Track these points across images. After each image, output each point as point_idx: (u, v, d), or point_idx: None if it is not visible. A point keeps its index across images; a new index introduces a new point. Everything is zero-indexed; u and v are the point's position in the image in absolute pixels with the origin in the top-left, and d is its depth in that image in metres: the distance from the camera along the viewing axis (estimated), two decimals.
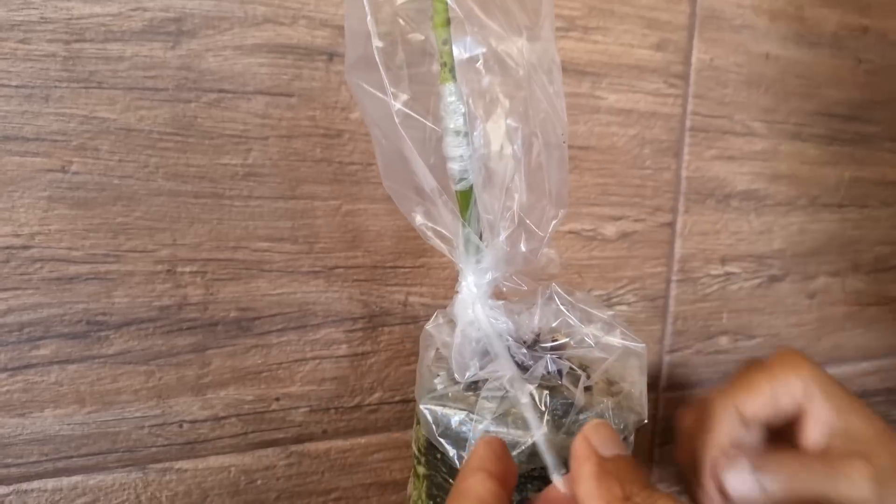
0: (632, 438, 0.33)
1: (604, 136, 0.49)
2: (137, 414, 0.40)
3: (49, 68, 0.36)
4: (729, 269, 0.55)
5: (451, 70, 0.29)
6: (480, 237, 0.31)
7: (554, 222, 0.32)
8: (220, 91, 0.39)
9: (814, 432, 0.42)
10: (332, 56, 0.41)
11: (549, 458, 0.28)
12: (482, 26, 0.31)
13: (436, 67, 0.30)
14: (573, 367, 0.31)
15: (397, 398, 0.46)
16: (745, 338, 0.57)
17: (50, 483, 0.39)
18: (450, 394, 0.31)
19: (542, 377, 0.31)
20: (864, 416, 0.42)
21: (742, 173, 0.54)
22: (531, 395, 0.29)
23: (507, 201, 0.31)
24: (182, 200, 0.39)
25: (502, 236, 0.30)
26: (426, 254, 0.45)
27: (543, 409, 0.29)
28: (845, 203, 0.59)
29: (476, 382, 0.31)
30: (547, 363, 0.31)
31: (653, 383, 0.54)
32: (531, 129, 0.32)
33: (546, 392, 0.30)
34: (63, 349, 0.38)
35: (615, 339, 0.32)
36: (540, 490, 0.29)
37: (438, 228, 0.31)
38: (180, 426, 0.41)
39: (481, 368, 0.31)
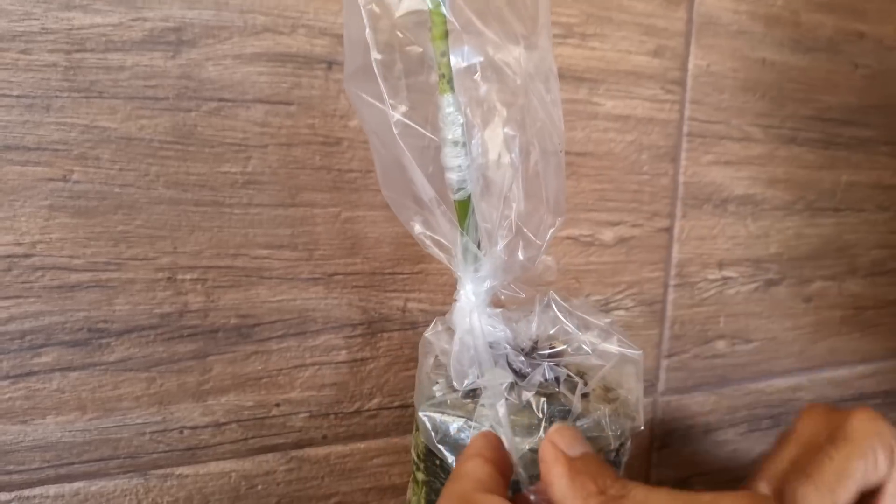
0: (629, 444, 0.33)
1: (601, 142, 0.49)
2: (139, 420, 0.41)
3: (50, 78, 0.37)
4: (726, 273, 0.56)
5: (450, 81, 0.29)
6: (478, 246, 0.31)
7: (551, 230, 0.32)
8: (220, 100, 0.40)
9: None
10: (331, 64, 0.41)
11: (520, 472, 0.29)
12: (480, 35, 0.31)
13: (434, 77, 0.30)
14: (570, 374, 0.32)
15: (396, 403, 0.47)
16: (743, 342, 0.58)
17: (52, 489, 0.40)
18: (448, 401, 0.32)
19: (540, 384, 0.31)
20: None
21: (739, 178, 0.55)
22: (529, 401, 0.30)
23: (504, 210, 0.31)
24: (182, 208, 0.40)
25: (500, 245, 0.31)
26: (424, 260, 0.45)
27: (541, 415, 0.30)
28: (842, 207, 0.60)
29: (475, 390, 0.31)
30: (544, 370, 0.31)
31: (651, 387, 0.55)
32: (528, 138, 0.32)
33: (543, 399, 0.30)
34: (65, 356, 0.39)
35: (612, 346, 0.33)
36: None
37: (437, 237, 0.31)
38: (181, 432, 0.42)
39: (479, 376, 0.31)
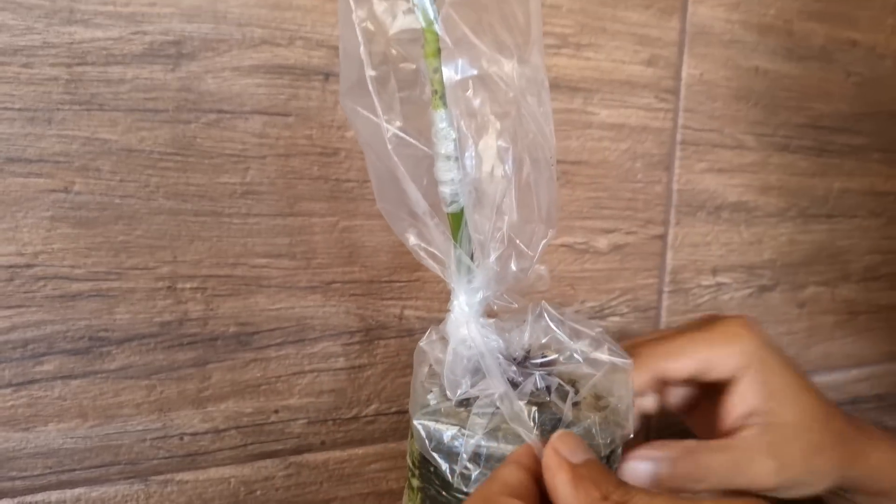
0: (619, 451, 0.34)
1: (596, 151, 0.50)
2: (139, 427, 0.41)
3: (52, 91, 0.37)
4: (720, 279, 0.56)
5: (442, 97, 0.30)
6: (471, 258, 0.32)
7: (543, 242, 0.33)
8: (219, 111, 0.40)
9: (731, 414, 0.41)
10: (328, 76, 0.42)
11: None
12: (473, 49, 0.32)
13: (427, 93, 0.31)
14: (562, 382, 0.32)
15: (394, 409, 0.47)
16: None
17: (54, 495, 0.40)
18: (442, 409, 0.32)
19: (532, 393, 0.32)
20: (794, 400, 0.41)
21: (732, 185, 0.55)
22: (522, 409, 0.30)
23: (497, 222, 0.32)
24: (182, 219, 0.40)
25: (493, 257, 0.31)
26: (421, 268, 0.45)
27: (532, 424, 0.30)
28: (834, 214, 0.60)
29: (468, 399, 0.32)
30: (536, 380, 0.32)
31: None
32: (521, 150, 0.33)
33: (535, 408, 0.31)
34: (66, 365, 0.39)
35: (603, 355, 0.33)
36: None
37: (431, 249, 0.32)
38: (181, 439, 0.42)
39: (472, 386, 0.32)
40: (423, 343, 0.34)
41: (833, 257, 0.61)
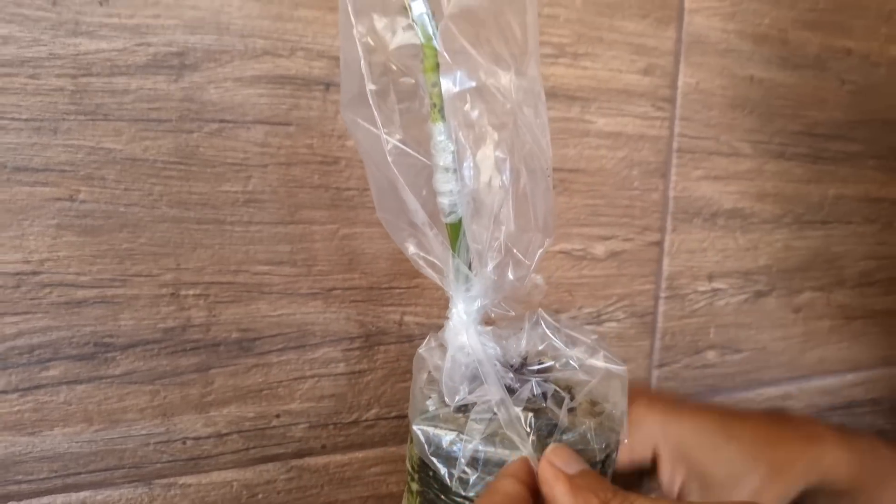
0: (614, 456, 0.34)
1: (593, 159, 0.51)
2: (143, 431, 0.42)
3: (57, 102, 0.38)
4: (716, 285, 0.57)
5: (441, 111, 0.30)
6: (469, 267, 0.33)
7: (540, 251, 0.33)
8: (222, 121, 0.41)
9: (670, 489, 0.45)
10: (328, 86, 0.43)
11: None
12: (471, 61, 0.33)
13: (427, 104, 0.31)
14: (558, 389, 0.33)
15: (393, 414, 0.48)
16: (732, 352, 0.59)
17: (59, 499, 0.41)
18: (441, 415, 0.33)
19: (528, 400, 0.32)
20: (710, 446, 0.45)
21: (728, 192, 0.56)
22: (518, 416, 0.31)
23: (494, 231, 0.33)
24: (185, 227, 0.41)
25: (490, 266, 0.32)
26: (420, 275, 0.45)
27: (528, 430, 0.31)
28: (830, 220, 0.61)
29: (466, 405, 0.33)
30: (533, 386, 0.33)
31: None
32: (518, 161, 0.34)
33: (531, 414, 0.31)
34: (71, 370, 0.40)
35: (598, 362, 0.34)
36: None
37: (430, 258, 0.33)
38: (184, 443, 0.43)
39: (470, 392, 0.32)
40: (421, 350, 0.35)
41: (828, 263, 0.62)
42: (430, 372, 0.34)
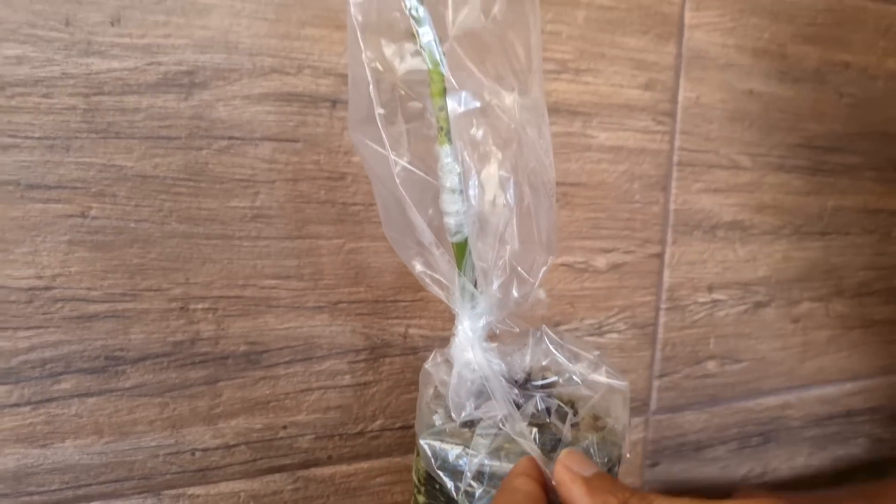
0: (616, 469, 0.35)
1: (594, 173, 0.51)
2: (152, 443, 0.43)
3: (70, 120, 0.39)
4: (716, 296, 0.58)
5: (447, 134, 0.31)
6: (475, 285, 0.33)
7: (544, 269, 0.34)
8: (230, 138, 0.42)
9: None
10: (335, 103, 0.44)
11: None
12: (477, 82, 0.33)
13: (433, 129, 0.32)
14: (561, 404, 0.34)
15: (398, 425, 0.49)
16: (732, 362, 0.60)
17: None
18: (447, 430, 0.34)
19: (533, 415, 0.33)
20: None
21: (728, 205, 0.57)
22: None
23: (499, 250, 0.33)
24: (194, 242, 0.42)
25: (495, 285, 0.33)
26: (424, 288, 0.47)
27: (534, 443, 0.32)
28: (828, 231, 0.62)
29: (472, 420, 0.33)
30: (537, 402, 0.33)
31: (643, 406, 0.57)
32: (522, 180, 0.34)
33: (535, 429, 0.32)
34: (83, 383, 0.41)
35: (601, 377, 0.35)
36: None
37: (436, 276, 0.33)
38: (193, 454, 0.44)
39: (476, 408, 0.33)
40: (428, 365, 0.35)
41: (827, 273, 0.63)
42: (436, 387, 0.35)
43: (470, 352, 0.33)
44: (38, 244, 0.39)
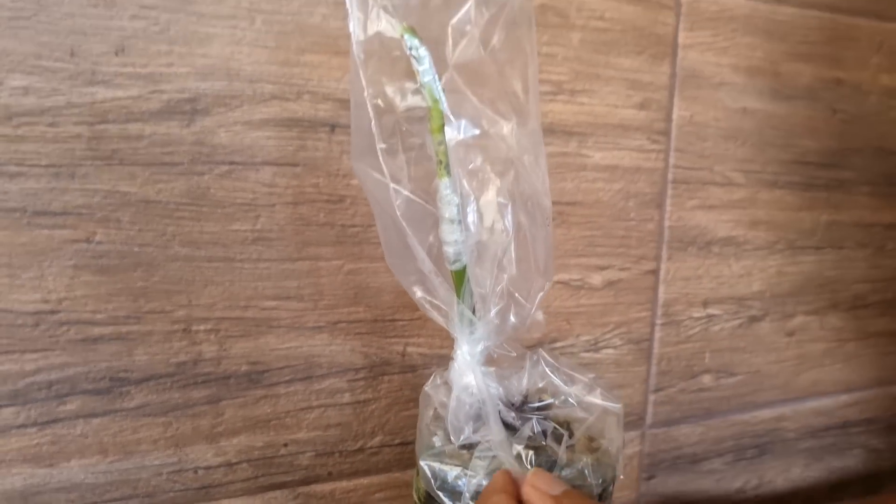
0: (611, 489, 0.36)
1: (590, 192, 0.52)
2: (156, 462, 0.43)
3: (75, 148, 0.39)
4: (711, 311, 0.59)
5: (446, 167, 0.32)
6: (473, 311, 0.34)
7: (540, 294, 0.35)
8: (231, 163, 0.42)
9: None
10: (334, 127, 0.44)
11: None
12: (474, 109, 0.34)
13: (434, 160, 0.33)
14: (557, 426, 0.34)
15: (397, 441, 0.49)
16: (727, 375, 0.60)
17: None
18: (446, 451, 0.34)
19: (529, 438, 0.34)
20: None
21: (722, 221, 0.58)
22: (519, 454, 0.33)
23: (497, 276, 0.34)
24: (197, 265, 0.42)
25: (493, 311, 0.34)
26: None
27: (529, 466, 0.33)
28: (822, 245, 0.63)
29: (471, 442, 0.34)
30: (533, 424, 0.34)
31: (639, 420, 0.57)
32: (519, 207, 0.35)
33: (531, 452, 0.33)
34: (88, 404, 0.42)
35: (596, 399, 0.36)
36: None
37: (436, 302, 0.34)
38: (195, 472, 0.44)
39: (474, 432, 0.34)
40: (427, 387, 0.36)
41: (821, 287, 0.63)
42: (435, 409, 0.36)
43: (468, 376, 0.34)
44: (45, 269, 0.40)
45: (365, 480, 0.49)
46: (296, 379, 0.46)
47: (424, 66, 0.30)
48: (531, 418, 0.34)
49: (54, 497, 0.42)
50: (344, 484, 0.49)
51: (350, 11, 0.31)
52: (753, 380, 0.61)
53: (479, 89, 0.34)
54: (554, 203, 0.51)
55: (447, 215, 0.32)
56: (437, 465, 0.34)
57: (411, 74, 0.31)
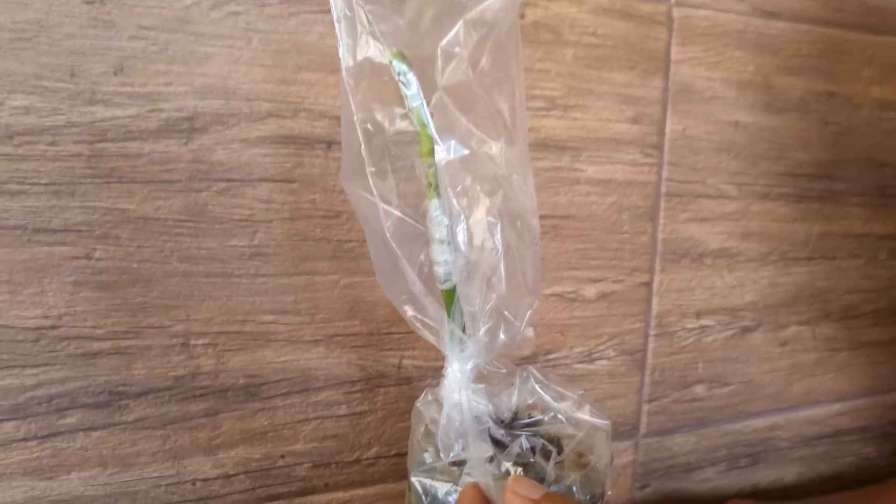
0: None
1: (583, 206, 0.53)
2: (155, 474, 0.44)
3: (75, 167, 0.40)
4: (704, 322, 0.59)
5: (436, 189, 0.33)
6: (463, 329, 0.35)
7: (529, 312, 0.36)
8: (229, 180, 0.43)
9: None
10: (330, 144, 0.45)
11: None
12: (464, 129, 0.35)
13: (424, 181, 0.34)
14: (546, 443, 0.35)
15: (393, 452, 0.50)
16: (720, 385, 0.61)
17: None
18: (437, 467, 0.35)
19: (518, 454, 0.35)
20: None
21: (715, 233, 0.58)
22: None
23: (487, 294, 0.35)
24: (195, 280, 0.43)
25: (483, 329, 0.34)
26: None
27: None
28: (814, 256, 0.63)
29: (461, 459, 0.35)
30: (522, 441, 0.35)
31: (633, 430, 0.58)
32: (508, 226, 0.36)
33: (520, 468, 0.34)
34: (87, 417, 0.42)
35: (584, 416, 0.36)
36: None
37: (427, 321, 0.35)
38: (193, 484, 0.45)
39: (463, 449, 0.34)
40: (419, 404, 0.37)
41: (813, 298, 0.64)
42: (426, 425, 0.37)
43: (458, 394, 0.35)
44: (45, 285, 0.40)
45: (361, 491, 0.50)
46: (293, 391, 0.47)
47: (412, 92, 0.31)
48: (521, 435, 0.35)
49: None
50: (340, 495, 0.49)
51: (339, 37, 0.31)
52: (746, 389, 0.62)
53: (467, 109, 0.35)
54: (548, 217, 0.52)
55: (437, 236, 0.33)
56: (427, 481, 0.35)
57: (400, 99, 0.32)
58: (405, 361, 0.49)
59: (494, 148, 0.36)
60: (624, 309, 0.56)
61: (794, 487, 0.68)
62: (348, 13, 0.31)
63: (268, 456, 0.47)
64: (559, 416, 0.37)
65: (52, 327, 0.41)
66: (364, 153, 0.32)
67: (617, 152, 0.53)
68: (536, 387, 0.37)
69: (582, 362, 0.55)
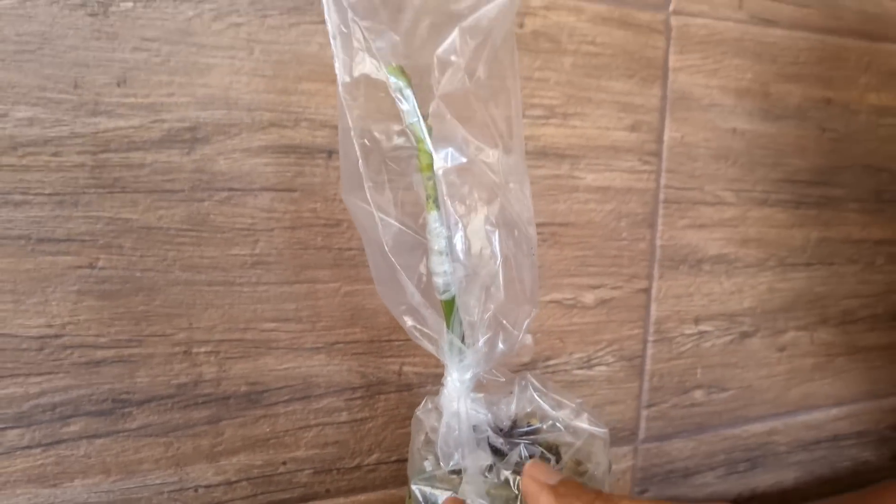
0: None
1: (582, 213, 0.53)
2: (157, 481, 0.45)
3: (78, 177, 0.41)
4: (702, 327, 0.60)
5: (435, 201, 0.33)
6: (462, 339, 0.35)
7: (527, 321, 0.36)
8: (230, 189, 0.44)
9: None
10: (331, 153, 0.45)
11: None
12: (461, 138, 0.35)
13: (422, 194, 0.34)
14: (544, 451, 0.36)
15: (394, 458, 0.51)
16: (719, 390, 0.61)
17: None
18: (437, 475, 0.35)
19: (517, 463, 0.35)
20: None
21: (713, 239, 0.59)
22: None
23: (486, 303, 0.35)
24: (197, 289, 0.44)
25: (482, 340, 0.35)
26: None
27: (517, 492, 0.34)
28: (812, 262, 0.64)
29: (460, 467, 0.35)
30: (521, 450, 0.35)
31: (631, 436, 0.58)
32: (506, 235, 0.36)
33: (519, 477, 0.34)
34: (91, 425, 0.43)
35: (582, 424, 0.37)
36: None
37: (426, 331, 0.35)
38: (196, 490, 0.46)
39: (463, 458, 0.35)
40: (419, 412, 0.37)
41: (811, 303, 0.64)
42: (426, 433, 0.37)
43: (458, 403, 0.35)
44: (49, 294, 0.41)
45: (362, 497, 0.50)
46: (294, 399, 0.47)
47: (409, 107, 0.31)
48: (519, 443, 0.35)
49: None
50: (341, 501, 0.50)
51: (335, 54, 0.32)
52: (745, 394, 0.62)
53: (464, 118, 0.35)
54: (547, 224, 0.52)
55: (436, 247, 0.34)
56: (427, 489, 0.35)
57: (398, 114, 0.32)
58: (406, 368, 0.50)
59: (492, 156, 0.36)
60: (623, 315, 0.56)
61: (793, 492, 0.68)
62: (344, 30, 0.31)
63: (269, 462, 0.47)
64: (557, 424, 0.37)
65: (56, 336, 0.41)
66: (362, 168, 0.32)
67: (615, 160, 0.54)
68: (535, 395, 0.37)
69: (581, 368, 0.55)
